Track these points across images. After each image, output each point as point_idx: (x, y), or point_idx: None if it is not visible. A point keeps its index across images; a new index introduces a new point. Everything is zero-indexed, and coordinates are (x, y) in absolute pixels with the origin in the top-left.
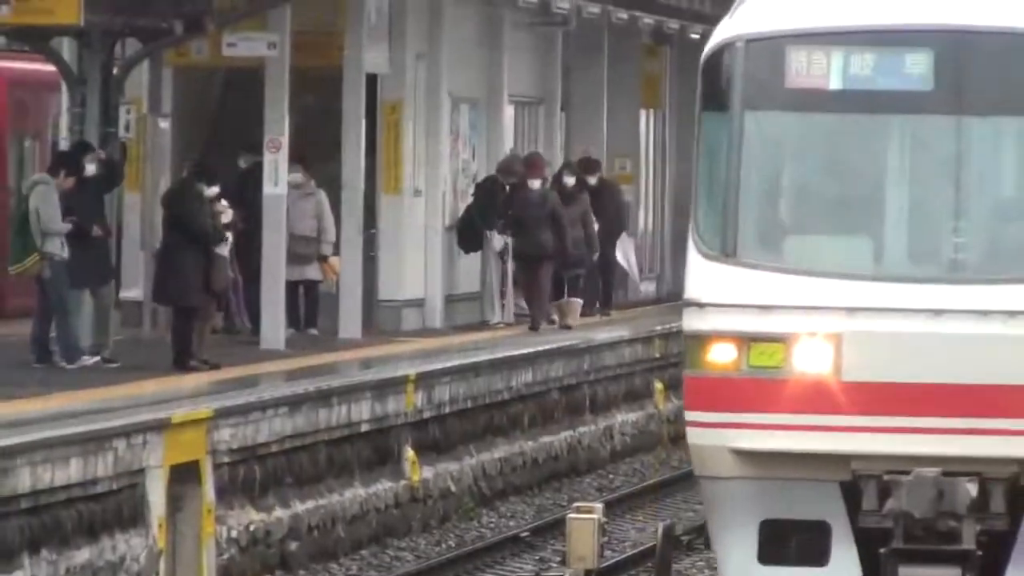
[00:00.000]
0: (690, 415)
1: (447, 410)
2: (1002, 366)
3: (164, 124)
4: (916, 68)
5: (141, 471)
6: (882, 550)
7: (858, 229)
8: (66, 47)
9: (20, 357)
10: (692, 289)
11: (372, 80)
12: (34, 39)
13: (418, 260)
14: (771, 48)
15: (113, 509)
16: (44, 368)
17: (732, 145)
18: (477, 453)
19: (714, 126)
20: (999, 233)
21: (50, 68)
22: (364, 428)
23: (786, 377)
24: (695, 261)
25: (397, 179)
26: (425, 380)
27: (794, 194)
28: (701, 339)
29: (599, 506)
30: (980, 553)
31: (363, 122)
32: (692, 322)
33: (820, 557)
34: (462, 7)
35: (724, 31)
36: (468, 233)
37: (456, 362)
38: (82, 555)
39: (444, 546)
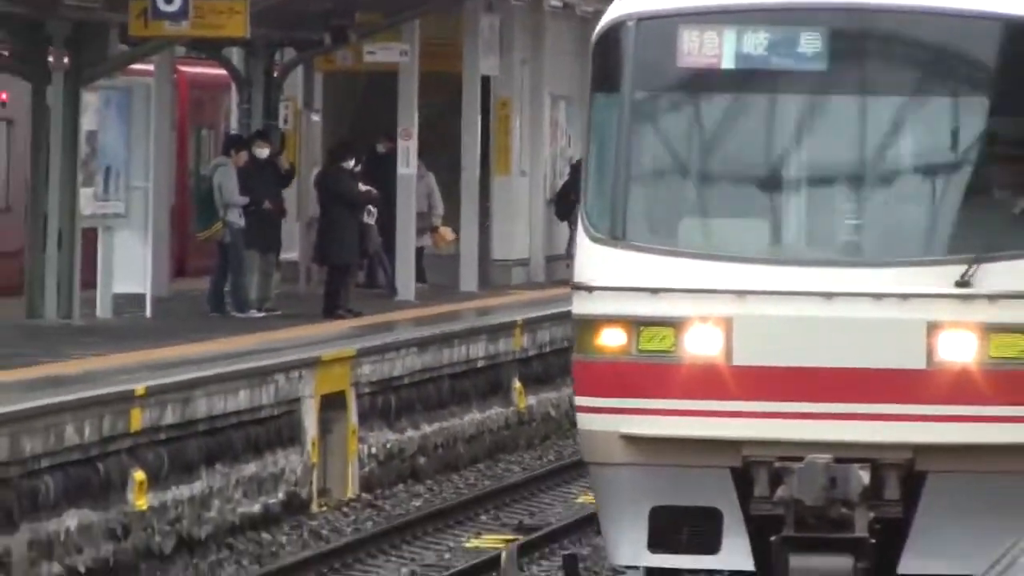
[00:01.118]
0: (579, 400)
1: (548, 349)
2: (896, 350)
3: (316, 118)
4: (810, 47)
5: (297, 400)
6: (773, 538)
7: (749, 211)
8: (235, 54)
9: (199, 308)
10: (581, 273)
11: (486, 81)
12: (208, 48)
13: (524, 227)
14: (662, 27)
15: (275, 431)
16: (219, 317)
17: (622, 126)
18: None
19: (604, 107)
20: (893, 215)
21: (221, 72)
22: (480, 364)
23: (676, 362)
24: (584, 244)
25: (506, 162)
26: (530, 325)
27: (685, 176)
28: (590, 323)
29: None
30: (873, 541)
31: (479, 116)
32: (581, 306)
33: (711, 544)
34: (560, 21)
35: (615, 10)
36: (564, 205)
37: (555, 310)
38: (249, 468)
39: (545, 460)
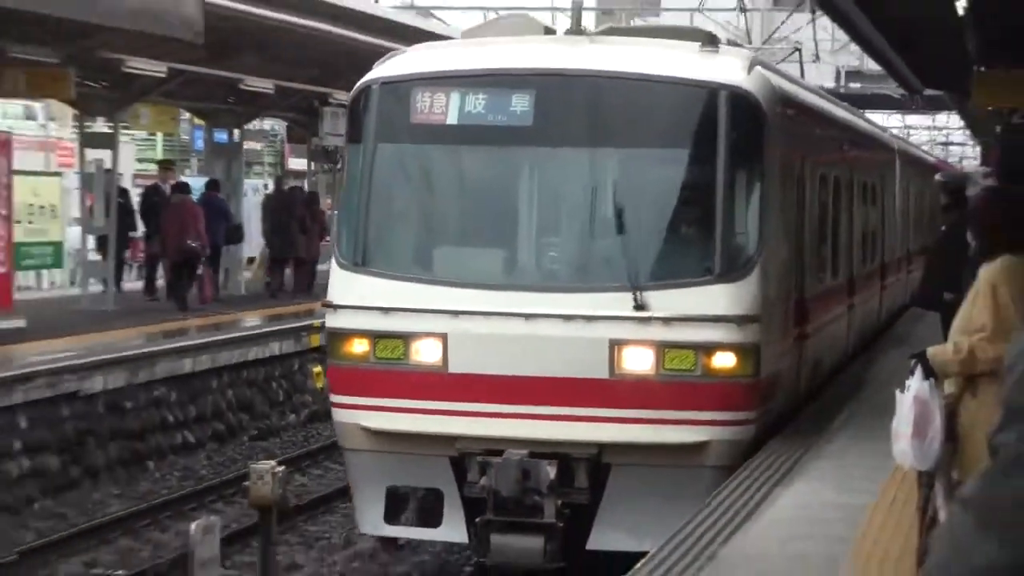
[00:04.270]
0: (333, 397)
1: None
2: (583, 362)
3: None
4: (520, 106)
5: None
6: (477, 520)
7: (465, 244)
8: None
9: None
10: (331, 293)
11: None
12: None
13: None
14: (400, 89)
15: None
16: None
17: (365, 171)
18: None
19: (353, 156)
20: (584, 249)
21: None
22: None
23: (405, 368)
24: (334, 270)
25: None
26: None
27: (415, 214)
28: (337, 335)
29: None
30: (562, 525)
31: None
32: (330, 320)
33: (434, 519)
34: None
35: (367, 76)
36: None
37: None
38: None
39: None
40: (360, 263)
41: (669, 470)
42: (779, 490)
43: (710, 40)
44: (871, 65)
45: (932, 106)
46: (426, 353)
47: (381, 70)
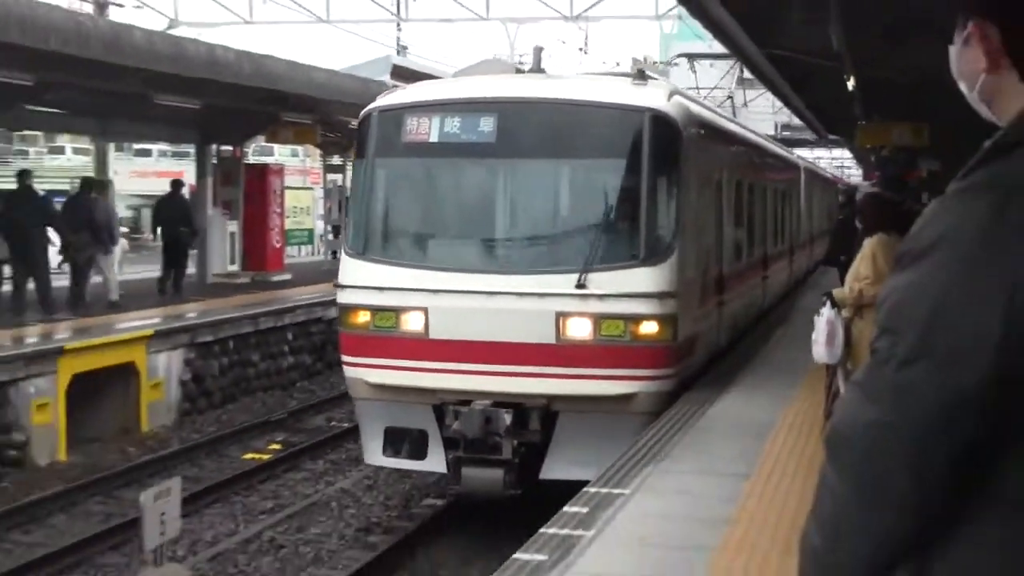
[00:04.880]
0: (343, 357)
1: None
2: (535, 330)
3: None
4: (486, 126)
5: None
6: (450, 456)
7: (444, 236)
8: None
9: None
10: (341, 276)
11: None
12: None
13: None
14: (394, 115)
15: None
16: None
17: (367, 180)
18: None
19: (359, 168)
20: (536, 239)
21: None
22: None
23: (397, 335)
24: (343, 258)
25: None
26: None
27: (406, 213)
28: (346, 308)
29: None
30: (518, 460)
31: None
32: (341, 297)
33: (420, 454)
34: None
35: (370, 105)
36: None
37: None
38: None
39: None
40: (362, 252)
41: (605, 416)
42: (731, 386)
43: (640, 75)
44: (796, 121)
45: (833, 144)
46: (413, 323)
47: (381, 101)
